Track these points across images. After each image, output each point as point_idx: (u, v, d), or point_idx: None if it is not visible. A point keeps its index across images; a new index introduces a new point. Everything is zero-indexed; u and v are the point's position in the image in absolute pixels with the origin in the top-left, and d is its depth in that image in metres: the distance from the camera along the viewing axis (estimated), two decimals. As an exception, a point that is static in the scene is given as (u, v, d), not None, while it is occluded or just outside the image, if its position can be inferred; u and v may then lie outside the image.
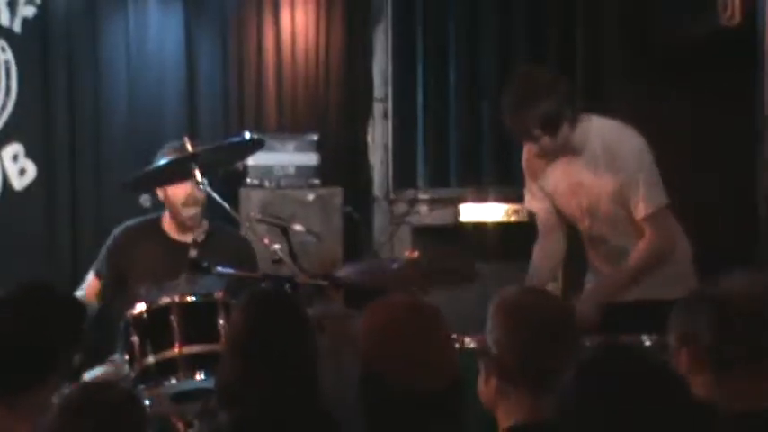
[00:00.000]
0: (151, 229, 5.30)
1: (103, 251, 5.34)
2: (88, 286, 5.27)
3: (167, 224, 5.32)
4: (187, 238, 5.22)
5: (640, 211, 4.69)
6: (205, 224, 5.32)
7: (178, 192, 5.22)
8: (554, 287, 5.03)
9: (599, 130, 4.75)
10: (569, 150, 4.75)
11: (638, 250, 4.73)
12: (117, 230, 5.36)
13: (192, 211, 5.24)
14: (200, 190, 5.01)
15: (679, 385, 2.32)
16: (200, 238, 5.22)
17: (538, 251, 4.99)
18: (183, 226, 5.27)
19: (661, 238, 4.73)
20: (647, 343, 4.27)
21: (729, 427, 2.74)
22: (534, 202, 5.01)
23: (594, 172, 4.73)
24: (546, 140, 4.67)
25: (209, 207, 5.10)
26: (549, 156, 4.79)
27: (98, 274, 5.31)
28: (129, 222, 5.38)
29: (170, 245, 5.25)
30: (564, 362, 2.99)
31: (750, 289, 2.95)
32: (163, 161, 5.02)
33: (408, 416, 2.88)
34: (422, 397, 2.87)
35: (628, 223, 4.76)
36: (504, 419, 2.99)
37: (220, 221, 5.35)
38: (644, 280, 4.73)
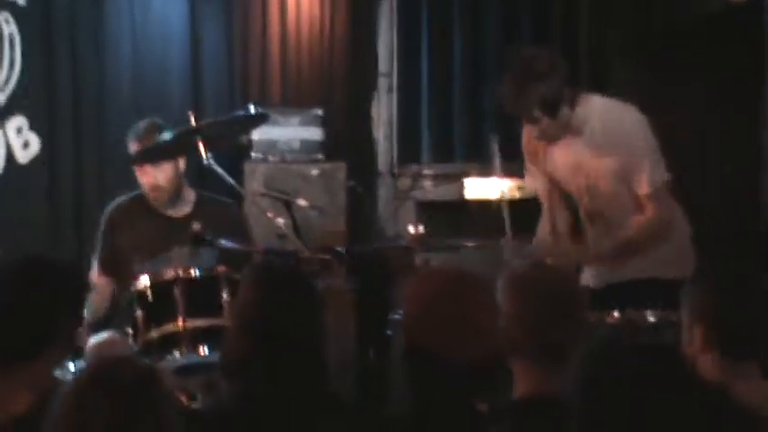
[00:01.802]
0: (141, 204, 5.29)
1: (99, 235, 5.34)
2: (97, 289, 5.13)
3: None
4: (176, 212, 5.23)
5: (644, 187, 4.70)
6: (192, 196, 5.31)
7: (142, 179, 5.22)
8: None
9: (599, 109, 4.76)
10: (569, 131, 4.75)
11: (638, 222, 4.74)
12: (108, 209, 5.35)
13: (155, 195, 5.22)
14: (166, 176, 5.06)
15: (689, 372, 2.30)
16: (187, 210, 5.24)
17: (541, 227, 5.02)
18: (163, 206, 5.27)
19: (661, 213, 4.75)
20: (652, 319, 4.27)
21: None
22: (534, 182, 5.03)
23: (594, 151, 4.73)
24: (546, 122, 4.68)
25: (215, 181, 5.09)
26: (550, 138, 4.80)
27: (101, 266, 5.28)
28: (120, 199, 5.38)
29: (160, 219, 5.25)
30: (571, 335, 3.01)
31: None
32: (167, 135, 5.02)
33: (453, 385, 2.87)
34: (466, 367, 2.86)
35: (627, 200, 4.76)
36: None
37: (209, 192, 5.35)
38: (644, 257, 4.74)
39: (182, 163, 5.19)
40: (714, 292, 3.01)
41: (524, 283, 3.17)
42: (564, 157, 4.83)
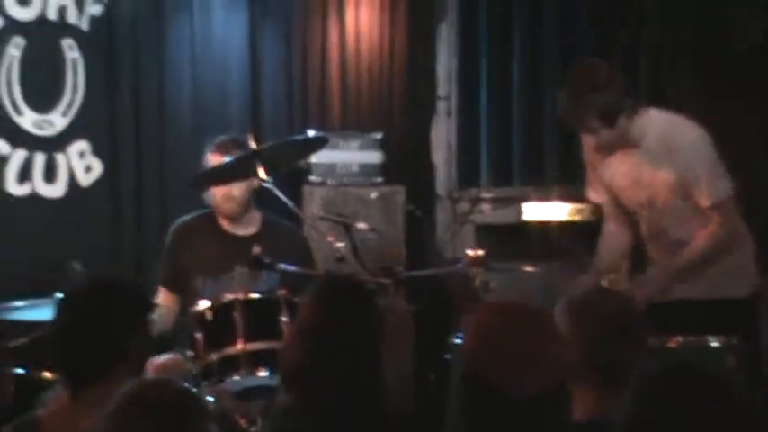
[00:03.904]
0: (206, 223, 5.34)
1: (163, 253, 5.39)
2: (162, 303, 5.21)
3: (221, 217, 5.36)
4: (241, 231, 5.27)
5: (705, 201, 4.68)
6: (258, 217, 5.35)
7: (215, 190, 5.26)
8: (618, 278, 4.99)
9: (657, 123, 4.75)
10: (627, 143, 4.74)
11: (701, 237, 4.71)
12: (173, 227, 5.40)
13: (228, 206, 5.26)
14: (240, 188, 5.11)
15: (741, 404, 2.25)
16: (253, 230, 5.27)
17: (602, 240, 5.00)
18: (233, 219, 5.31)
19: (724, 227, 4.72)
20: (714, 344, 4.24)
21: None
22: (596, 193, 5.03)
23: (652, 165, 4.72)
24: (604, 132, 4.67)
25: (274, 204, 5.11)
26: (607, 148, 4.79)
27: (165, 283, 5.33)
28: (185, 218, 5.42)
29: (224, 238, 5.28)
30: (629, 358, 3.00)
31: None
32: (227, 159, 5.06)
33: (510, 418, 2.85)
34: (525, 400, 2.84)
35: (688, 215, 4.74)
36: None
37: (275, 215, 5.38)
38: (707, 274, 4.71)
39: (255, 180, 5.23)
40: None
41: (580, 307, 3.18)
42: (622, 168, 4.82)
